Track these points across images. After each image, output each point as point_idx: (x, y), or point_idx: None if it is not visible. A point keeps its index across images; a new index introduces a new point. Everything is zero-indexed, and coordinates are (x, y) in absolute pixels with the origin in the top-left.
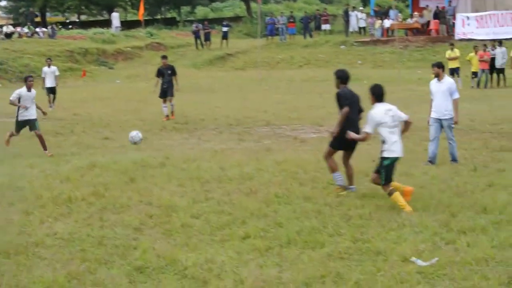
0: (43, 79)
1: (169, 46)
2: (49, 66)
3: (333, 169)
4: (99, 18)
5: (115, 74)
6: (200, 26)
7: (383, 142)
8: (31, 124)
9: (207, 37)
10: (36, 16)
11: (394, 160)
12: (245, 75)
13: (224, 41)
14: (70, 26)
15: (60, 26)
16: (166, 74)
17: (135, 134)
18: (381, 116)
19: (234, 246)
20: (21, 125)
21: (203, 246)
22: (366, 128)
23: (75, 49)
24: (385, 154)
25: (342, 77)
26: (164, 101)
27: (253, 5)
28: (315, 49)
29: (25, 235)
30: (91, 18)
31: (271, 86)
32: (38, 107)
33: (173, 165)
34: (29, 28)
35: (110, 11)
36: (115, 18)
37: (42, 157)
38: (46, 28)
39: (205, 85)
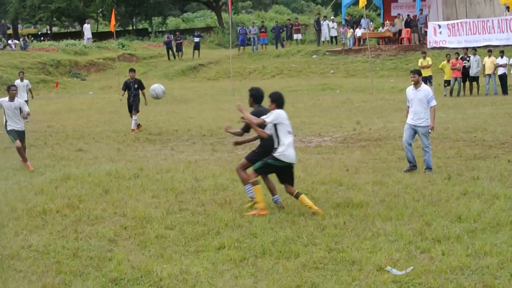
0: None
1: (141, 57)
2: (21, 79)
3: (245, 181)
4: (71, 29)
5: (87, 85)
6: (172, 37)
7: (278, 144)
8: (21, 136)
9: (179, 48)
10: (8, 28)
11: (284, 165)
12: (217, 85)
13: (196, 51)
14: (42, 38)
15: (32, 38)
16: (133, 88)
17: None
18: (285, 117)
19: (209, 257)
20: (14, 133)
21: (178, 257)
22: (267, 117)
23: (47, 61)
24: (278, 157)
25: (256, 96)
26: (135, 114)
27: (224, 15)
28: (287, 59)
29: (0, 248)
30: (63, 30)
31: (244, 96)
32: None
33: (147, 177)
34: (1, 40)
35: (81, 23)
36: (87, 29)
37: (16, 169)
38: (18, 40)
39: (177, 95)
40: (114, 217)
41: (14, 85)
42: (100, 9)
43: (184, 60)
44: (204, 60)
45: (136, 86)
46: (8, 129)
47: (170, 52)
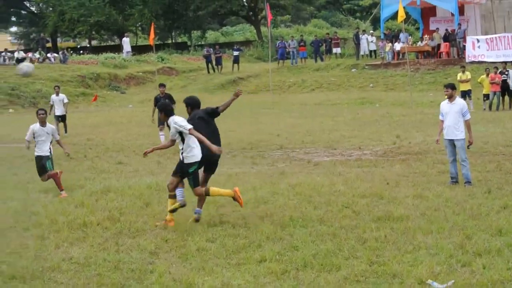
0: (51, 107)
1: (180, 71)
2: (57, 94)
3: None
4: (110, 43)
5: (127, 98)
6: (211, 50)
7: (184, 149)
8: (43, 161)
9: (219, 61)
10: (47, 41)
11: (198, 164)
12: (257, 98)
13: (235, 65)
14: (81, 51)
15: (71, 52)
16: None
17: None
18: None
19: (250, 269)
20: (38, 161)
21: (219, 270)
22: (188, 125)
23: (87, 74)
24: (189, 160)
25: (192, 104)
26: (161, 129)
27: (263, 29)
28: (327, 73)
29: (41, 260)
30: (102, 43)
31: (284, 109)
32: (60, 145)
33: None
34: (40, 53)
35: (120, 36)
36: (126, 43)
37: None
38: (57, 53)
39: None
40: (155, 229)
41: (42, 109)
42: (139, 23)
43: (223, 74)
44: (243, 74)
45: (167, 101)
46: (35, 154)
47: (210, 66)
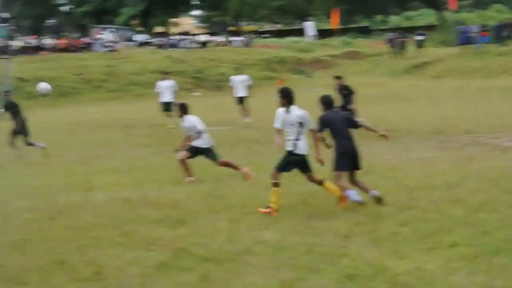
0: (231, 88)
1: (365, 55)
2: (238, 75)
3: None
4: (294, 27)
5: (312, 82)
6: (395, 34)
7: (297, 138)
8: (205, 154)
9: (403, 46)
10: (231, 25)
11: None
12: (442, 83)
13: (420, 49)
14: (267, 35)
15: (255, 35)
16: (342, 94)
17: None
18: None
19: (442, 254)
20: (194, 150)
21: (412, 254)
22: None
23: (271, 57)
24: (297, 151)
25: (326, 103)
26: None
27: (445, 14)
28: (510, 58)
29: (233, 243)
30: (286, 27)
31: (469, 94)
32: (185, 141)
33: (378, 173)
34: (225, 37)
35: (303, 20)
36: (309, 27)
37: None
38: (240, 36)
39: (402, 93)
40: (347, 213)
41: (176, 104)
42: (322, 7)
43: (408, 58)
44: (427, 58)
45: (345, 92)
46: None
47: (394, 50)
